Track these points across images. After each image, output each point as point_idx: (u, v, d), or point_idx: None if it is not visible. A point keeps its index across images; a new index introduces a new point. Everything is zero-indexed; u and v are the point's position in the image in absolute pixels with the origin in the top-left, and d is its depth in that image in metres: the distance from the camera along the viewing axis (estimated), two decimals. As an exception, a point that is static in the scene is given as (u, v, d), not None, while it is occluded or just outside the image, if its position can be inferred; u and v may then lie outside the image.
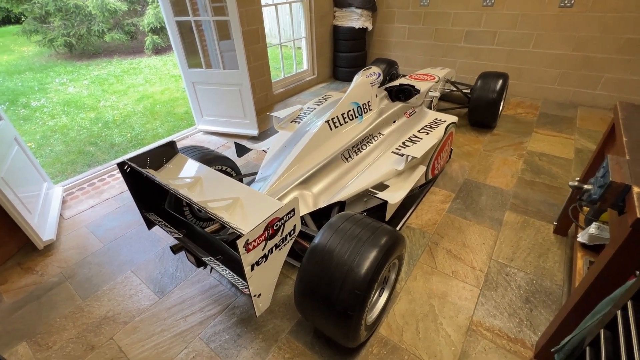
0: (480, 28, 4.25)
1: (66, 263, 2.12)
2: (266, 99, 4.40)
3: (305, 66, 5.13)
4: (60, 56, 8.30)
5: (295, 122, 2.52)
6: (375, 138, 2.30)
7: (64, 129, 4.44)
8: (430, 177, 2.47)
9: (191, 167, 1.69)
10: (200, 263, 1.59)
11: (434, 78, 3.44)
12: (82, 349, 1.62)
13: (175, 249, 1.65)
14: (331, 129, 2.14)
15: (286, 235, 1.31)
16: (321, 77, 5.27)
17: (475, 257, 1.99)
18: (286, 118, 2.56)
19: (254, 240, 1.14)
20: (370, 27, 4.96)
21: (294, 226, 1.34)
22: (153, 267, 2.05)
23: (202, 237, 1.64)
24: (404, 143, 2.29)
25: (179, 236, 1.62)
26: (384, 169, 2.07)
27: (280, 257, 1.32)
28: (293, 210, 1.29)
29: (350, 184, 2.01)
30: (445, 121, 2.52)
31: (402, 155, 2.14)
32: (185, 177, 1.62)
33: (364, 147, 2.22)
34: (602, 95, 3.81)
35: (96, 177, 3.07)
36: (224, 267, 1.39)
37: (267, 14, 4.02)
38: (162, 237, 2.28)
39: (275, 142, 2.34)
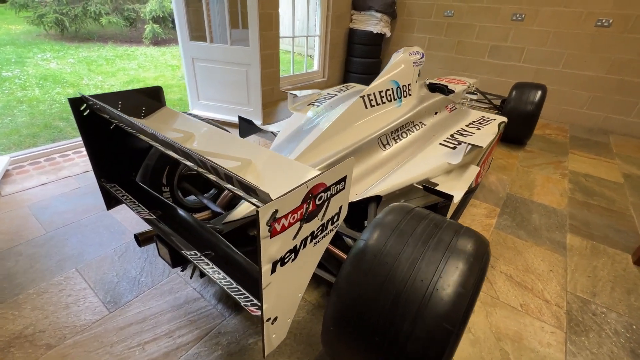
0: (507, 43, 4.01)
1: (-15, 251, 1.51)
2: (272, 94, 3.96)
3: (315, 67, 4.77)
4: (50, 37, 7.73)
5: (313, 105, 2.07)
6: (417, 127, 1.85)
7: (34, 101, 3.84)
8: (473, 184, 2.02)
9: (182, 123, 1.18)
10: (178, 261, 1.05)
11: (465, 83, 3.10)
12: (-32, 385, 1.01)
13: (142, 239, 1.11)
14: (366, 107, 1.69)
15: (327, 222, 0.80)
16: (331, 80, 4.91)
17: (546, 287, 1.51)
18: (303, 99, 2.11)
19: (285, 217, 0.63)
20: (388, 34, 4.69)
21: (340, 209, 0.83)
22: (109, 266, 1.48)
23: (184, 224, 1.10)
24: (452, 136, 1.86)
25: (150, 218, 1.08)
26: (432, 162, 1.61)
27: (314, 255, 0.81)
28: (344, 179, 0.79)
29: (389, 176, 1.53)
30: (494, 119, 2.12)
31: (454, 147, 1.69)
32: (173, 131, 1.11)
33: (404, 134, 1.76)
34: (637, 123, 3.54)
35: (58, 152, 2.48)
36: (218, 270, 0.86)
37: (282, 14, 3.71)
38: (130, 228, 1.72)
39: (288, 125, 1.87)
